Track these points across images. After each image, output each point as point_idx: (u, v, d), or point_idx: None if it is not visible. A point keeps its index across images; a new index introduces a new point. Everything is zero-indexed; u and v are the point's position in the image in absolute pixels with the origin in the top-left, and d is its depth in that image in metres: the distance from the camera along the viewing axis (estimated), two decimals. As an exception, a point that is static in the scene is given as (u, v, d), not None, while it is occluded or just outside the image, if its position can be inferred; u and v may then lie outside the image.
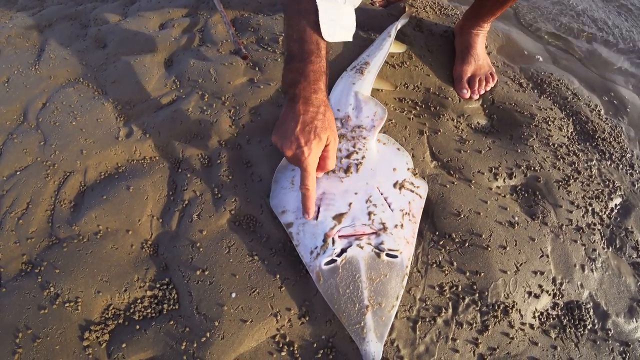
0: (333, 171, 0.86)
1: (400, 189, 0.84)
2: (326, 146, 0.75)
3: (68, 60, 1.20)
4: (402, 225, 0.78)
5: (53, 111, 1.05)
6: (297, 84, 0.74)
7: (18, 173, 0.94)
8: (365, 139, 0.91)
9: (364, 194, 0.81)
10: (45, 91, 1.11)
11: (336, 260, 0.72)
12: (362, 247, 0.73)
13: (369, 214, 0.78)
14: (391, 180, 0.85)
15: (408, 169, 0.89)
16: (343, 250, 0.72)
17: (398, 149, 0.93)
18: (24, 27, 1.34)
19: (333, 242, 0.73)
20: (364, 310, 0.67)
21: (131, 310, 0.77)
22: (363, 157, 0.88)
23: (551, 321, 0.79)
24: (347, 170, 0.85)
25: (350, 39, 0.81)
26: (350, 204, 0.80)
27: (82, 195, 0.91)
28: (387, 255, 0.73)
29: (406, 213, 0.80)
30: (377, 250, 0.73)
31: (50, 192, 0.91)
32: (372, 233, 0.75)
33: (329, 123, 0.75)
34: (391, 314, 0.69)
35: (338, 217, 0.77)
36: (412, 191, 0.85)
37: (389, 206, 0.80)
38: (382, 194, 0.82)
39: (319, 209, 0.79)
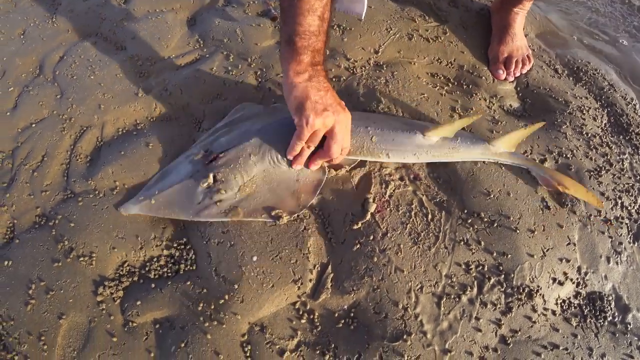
0: None
1: None
2: None
3: (87, 14, 1.15)
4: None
5: (71, 65, 1.02)
6: (317, 63, 0.72)
7: (33, 125, 0.92)
8: None
9: None
10: (63, 44, 1.08)
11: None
12: None
13: None
14: None
15: None
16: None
17: None
18: (41, -21, 1.29)
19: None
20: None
21: (147, 269, 0.75)
22: None
23: (572, 309, 0.78)
24: None
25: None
26: None
27: (98, 151, 0.89)
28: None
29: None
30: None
31: (66, 145, 0.89)
32: None
33: None
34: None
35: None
36: None
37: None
38: None
39: None
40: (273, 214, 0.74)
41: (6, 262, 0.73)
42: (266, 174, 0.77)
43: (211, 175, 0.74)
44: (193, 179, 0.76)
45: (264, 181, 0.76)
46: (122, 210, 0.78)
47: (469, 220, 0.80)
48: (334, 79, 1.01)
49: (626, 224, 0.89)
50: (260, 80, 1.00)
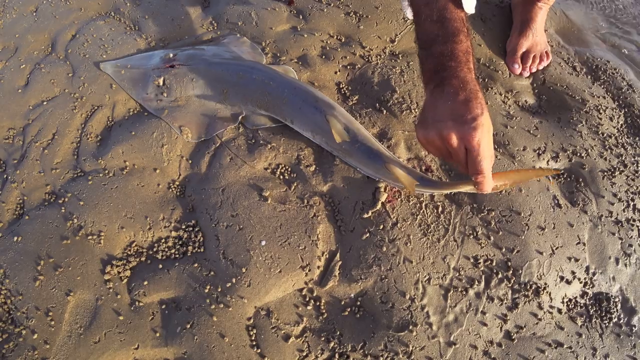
0: None
1: None
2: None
3: (100, -7, 1.14)
4: None
5: (83, 43, 1.01)
6: (445, 68, 0.63)
7: (45, 103, 0.91)
8: None
9: None
10: (75, 23, 1.07)
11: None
12: None
13: None
14: None
15: None
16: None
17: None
18: (54, -44, 1.27)
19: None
20: None
21: (154, 249, 0.75)
22: None
23: (578, 309, 0.77)
24: None
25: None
26: None
27: (109, 130, 0.88)
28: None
29: None
30: None
31: (77, 124, 0.89)
32: None
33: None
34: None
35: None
36: None
37: None
38: None
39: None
40: (181, 128, 0.86)
41: (16, 238, 0.74)
42: (197, 99, 0.90)
43: (162, 79, 0.91)
44: (153, 72, 0.92)
45: (192, 102, 0.90)
46: (101, 65, 0.95)
47: (480, 215, 0.80)
48: (348, 67, 0.99)
49: (637, 226, 0.87)
50: (274, 64, 0.98)
